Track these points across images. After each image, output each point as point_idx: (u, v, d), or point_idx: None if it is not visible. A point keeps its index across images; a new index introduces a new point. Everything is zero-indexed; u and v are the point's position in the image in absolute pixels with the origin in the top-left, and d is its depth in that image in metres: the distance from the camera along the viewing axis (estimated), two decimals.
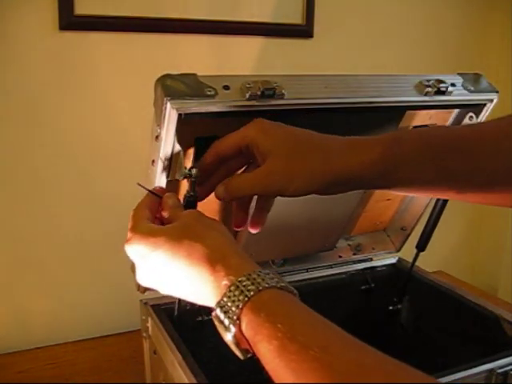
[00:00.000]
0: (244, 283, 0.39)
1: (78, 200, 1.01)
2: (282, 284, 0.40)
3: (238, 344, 0.39)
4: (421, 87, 0.67)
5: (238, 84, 0.55)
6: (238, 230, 0.58)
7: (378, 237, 0.97)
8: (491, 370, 0.64)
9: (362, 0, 1.19)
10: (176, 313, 0.73)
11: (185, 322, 0.72)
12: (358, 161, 0.49)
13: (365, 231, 0.95)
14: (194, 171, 0.54)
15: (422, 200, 0.89)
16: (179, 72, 0.54)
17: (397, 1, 1.24)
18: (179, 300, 0.71)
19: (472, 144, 0.48)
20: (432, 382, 0.32)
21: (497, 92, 0.71)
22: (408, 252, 0.94)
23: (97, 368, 0.93)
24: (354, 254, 0.94)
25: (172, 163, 0.58)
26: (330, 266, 0.92)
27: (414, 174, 0.49)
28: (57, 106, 0.95)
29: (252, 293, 0.38)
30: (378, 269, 0.96)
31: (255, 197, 0.57)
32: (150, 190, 0.54)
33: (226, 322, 0.39)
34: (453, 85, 0.68)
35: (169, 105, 0.52)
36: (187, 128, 0.58)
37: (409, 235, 0.94)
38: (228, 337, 0.39)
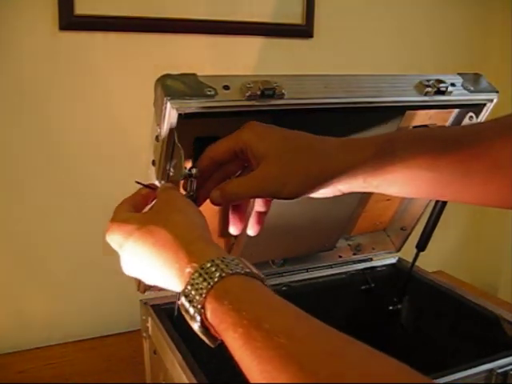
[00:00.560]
0: (207, 270, 0.38)
1: (77, 200, 1.01)
2: (247, 270, 0.39)
3: (206, 332, 0.38)
4: (421, 87, 0.67)
5: (238, 84, 0.55)
6: (235, 234, 0.58)
7: (378, 237, 0.97)
8: (491, 370, 0.64)
9: (362, 0, 1.19)
10: (176, 313, 0.72)
11: (185, 322, 0.72)
12: (352, 160, 0.49)
13: (365, 231, 0.95)
14: (194, 171, 0.54)
15: (421, 200, 0.89)
16: (179, 72, 0.54)
17: (397, 1, 1.24)
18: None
19: (466, 144, 0.48)
20: (397, 365, 0.31)
21: (497, 92, 0.71)
22: (408, 252, 0.94)
23: (97, 368, 0.93)
24: (354, 254, 0.94)
25: (172, 163, 0.58)
26: (330, 266, 0.92)
27: (407, 174, 0.49)
28: (57, 105, 0.95)
29: (216, 279, 0.38)
30: (378, 269, 0.96)
31: (251, 200, 0.57)
32: (146, 185, 0.54)
33: (191, 310, 0.38)
34: (453, 85, 0.68)
35: (169, 105, 0.52)
36: (187, 128, 0.58)
37: (409, 235, 0.94)
38: (195, 326, 0.38)
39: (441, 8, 1.30)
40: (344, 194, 0.77)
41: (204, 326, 0.38)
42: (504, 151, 0.46)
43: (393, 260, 0.98)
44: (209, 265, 0.39)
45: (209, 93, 0.53)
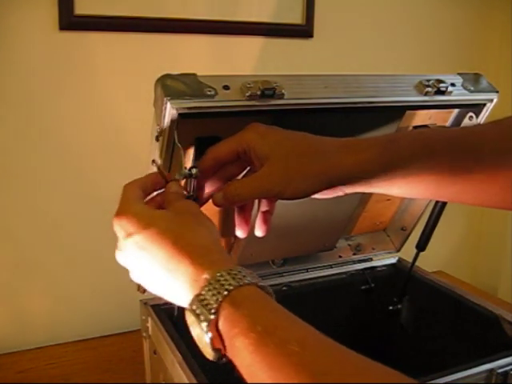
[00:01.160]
0: (225, 277, 0.39)
1: (77, 200, 1.01)
2: (262, 284, 0.40)
3: (211, 342, 0.38)
4: (421, 87, 0.67)
5: (238, 84, 0.55)
6: (242, 237, 0.58)
7: (378, 237, 0.97)
8: (491, 370, 0.64)
9: (362, 0, 1.19)
10: (176, 313, 0.73)
11: (185, 322, 0.72)
12: (354, 160, 0.49)
13: (365, 231, 0.95)
14: (194, 171, 0.54)
15: (421, 200, 0.89)
16: (179, 72, 0.54)
17: (397, 1, 1.24)
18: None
19: (469, 145, 0.48)
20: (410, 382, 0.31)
21: (497, 92, 0.71)
22: (408, 252, 0.94)
23: (97, 368, 0.93)
24: (354, 254, 0.94)
25: (172, 163, 0.58)
26: (330, 266, 0.92)
27: (411, 174, 0.49)
28: (56, 105, 0.95)
29: (232, 287, 0.38)
30: (378, 269, 0.96)
31: (256, 202, 0.57)
32: (162, 174, 0.53)
33: (202, 316, 0.38)
34: (453, 85, 0.68)
35: (169, 105, 0.52)
36: (187, 128, 0.58)
37: (409, 235, 0.94)
38: (202, 331, 0.38)
39: (441, 8, 1.30)
40: (345, 195, 0.78)
41: (209, 332, 0.38)
42: (505, 153, 0.46)
43: (393, 260, 0.98)
44: (227, 273, 0.39)
45: (209, 93, 0.53)
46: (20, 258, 0.99)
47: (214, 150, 0.54)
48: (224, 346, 0.38)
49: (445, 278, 0.95)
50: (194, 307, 0.39)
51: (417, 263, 0.89)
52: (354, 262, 0.95)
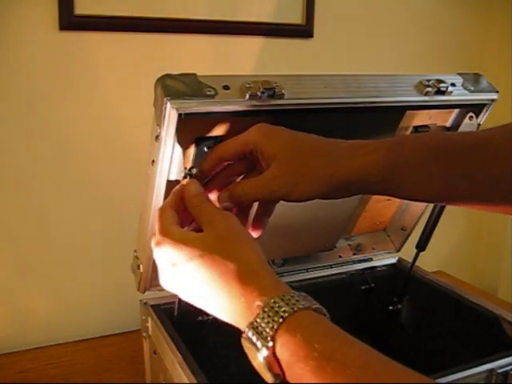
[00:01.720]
0: (278, 304, 0.38)
1: (77, 200, 1.01)
2: (316, 306, 0.40)
3: (269, 367, 0.38)
4: (421, 87, 0.67)
5: (238, 84, 0.55)
6: None
7: (377, 237, 0.97)
8: (491, 370, 0.64)
9: (362, 0, 1.19)
10: (176, 313, 0.73)
11: (185, 322, 0.72)
12: (361, 163, 0.49)
13: (365, 231, 0.95)
14: (194, 171, 0.54)
15: None
16: (179, 72, 0.54)
17: (397, 1, 1.24)
18: (179, 300, 0.71)
19: (475, 149, 0.48)
20: None
21: (497, 92, 0.71)
22: (408, 252, 0.94)
23: (97, 368, 0.93)
24: (354, 254, 0.94)
25: (172, 163, 0.58)
26: (330, 266, 0.92)
27: (416, 177, 0.49)
28: (57, 105, 0.95)
29: (287, 314, 0.38)
30: (378, 269, 0.96)
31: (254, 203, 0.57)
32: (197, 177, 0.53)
33: (259, 344, 0.38)
34: (453, 85, 0.68)
35: (169, 105, 0.52)
36: (187, 128, 0.58)
37: (409, 235, 0.94)
38: (260, 359, 0.38)
39: (441, 8, 1.30)
40: (351, 195, 0.78)
41: (267, 360, 0.38)
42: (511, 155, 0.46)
43: (393, 260, 0.98)
44: (279, 299, 0.39)
45: (209, 93, 0.53)
46: (20, 258, 0.99)
47: (220, 149, 0.54)
48: (283, 372, 0.37)
49: (445, 278, 0.95)
50: (250, 334, 0.39)
51: (417, 263, 0.89)
52: (354, 262, 0.95)
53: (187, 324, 0.73)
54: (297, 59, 1.12)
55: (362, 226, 0.93)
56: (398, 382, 0.32)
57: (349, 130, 0.70)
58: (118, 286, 1.02)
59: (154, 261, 0.49)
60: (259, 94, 0.55)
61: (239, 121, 0.63)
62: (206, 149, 0.63)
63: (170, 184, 0.59)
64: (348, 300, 0.94)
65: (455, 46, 1.34)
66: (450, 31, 1.32)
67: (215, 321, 0.44)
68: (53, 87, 0.95)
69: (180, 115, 0.53)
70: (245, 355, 0.39)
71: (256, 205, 0.57)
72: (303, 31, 1.12)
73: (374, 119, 0.70)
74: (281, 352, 0.37)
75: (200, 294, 0.44)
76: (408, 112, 0.74)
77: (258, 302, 0.39)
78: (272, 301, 0.39)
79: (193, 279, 0.43)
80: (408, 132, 0.78)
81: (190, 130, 0.61)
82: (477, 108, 0.75)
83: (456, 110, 0.78)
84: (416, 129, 0.78)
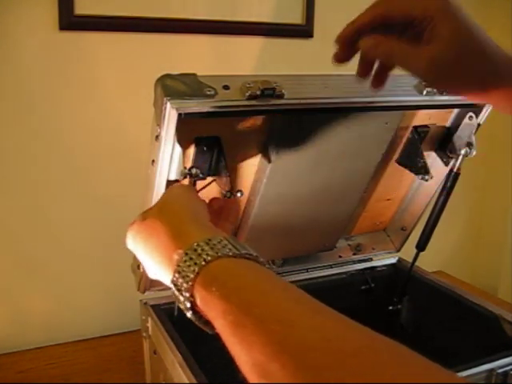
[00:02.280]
0: (191, 255, 0.38)
1: (77, 200, 1.01)
2: (236, 251, 0.38)
3: (200, 319, 0.37)
4: (420, 87, 0.67)
5: (238, 84, 0.55)
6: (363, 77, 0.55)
7: (378, 237, 0.97)
8: (491, 370, 0.64)
9: (362, 0, 1.19)
10: (176, 313, 0.73)
11: (185, 322, 0.72)
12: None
13: (365, 231, 0.95)
14: (193, 171, 0.54)
15: (421, 200, 0.89)
16: (179, 72, 0.54)
17: None
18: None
19: None
20: (401, 349, 0.29)
21: None
22: (408, 252, 0.94)
23: (97, 368, 0.93)
24: (354, 254, 0.94)
25: (172, 163, 0.58)
26: (330, 266, 0.92)
27: None
28: (56, 105, 0.95)
29: (201, 264, 0.36)
30: (378, 269, 0.96)
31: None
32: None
33: (181, 299, 0.37)
34: None
35: (169, 105, 0.52)
36: (187, 128, 0.58)
37: (409, 235, 0.94)
38: (188, 314, 0.38)
39: None
40: (344, 194, 0.78)
41: (197, 313, 0.37)
42: None
43: (393, 260, 0.98)
44: (193, 249, 0.38)
45: (209, 93, 0.53)
46: (20, 258, 0.99)
47: (389, 6, 0.51)
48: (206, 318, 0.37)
49: (445, 277, 0.95)
50: (173, 291, 0.38)
51: (417, 263, 0.89)
52: (354, 262, 0.95)
53: (187, 324, 0.73)
54: (297, 59, 1.12)
55: (362, 226, 0.93)
56: (323, 334, 0.30)
57: (349, 130, 0.70)
58: (118, 286, 1.02)
59: None
60: (259, 93, 0.55)
61: (239, 120, 0.63)
62: (205, 149, 0.63)
63: (170, 184, 0.60)
64: (348, 300, 0.94)
65: None
66: None
67: None
68: (53, 87, 0.94)
69: (180, 115, 0.53)
70: None
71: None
72: (303, 31, 1.12)
73: (373, 119, 0.70)
74: (201, 306, 0.36)
75: (145, 262, 0.45)
76: (408, 112, 0.74)
77: (175, 256, 0.39)
78: (185, 252, 0.38)
79: (138, 248, 0.46)
80: (408, 132, 0.78)
81: (190, 130, 0.61)
82: (477, 108, 0.75)
83: (456, 110, 0.78)
84: (416, 129, 0.78)
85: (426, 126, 0.78)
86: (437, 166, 0.83)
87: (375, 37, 0.51)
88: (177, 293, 0.38)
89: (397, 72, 0.67)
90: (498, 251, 1.45)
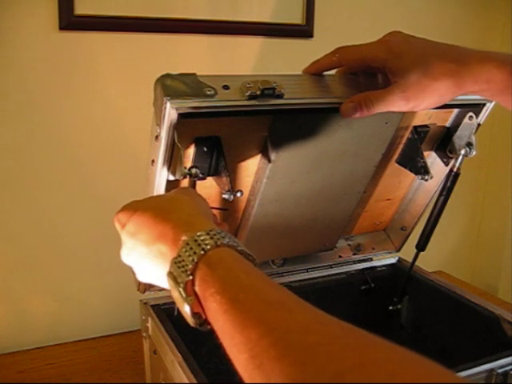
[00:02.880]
0: (202, 237, 0.38)
1: (77, 200, 1.01)
2: (241, 248, 0.39)
3: (191, 307, 0.37)
4: None
5: (238, 84, 0.55)
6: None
7: (378, 237, 0.97)
8: (491, 370, 0.64)
9: (361, 0, 1.19)
10: (176, 313, 0.73)
11: (185, 321, 0.72)
12: (487, 79, 0.53)
13: (365, 231, 0.95)
14: (193, 171, 0.54)
15: (421, 200, 0.89)
16: (179, 72, 0.54)
17: (396, 1, 1.24)
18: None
19: None
20: (385, 343, 0.30)
21: None
22: (408, 252, 0.94)
23: (97, 368, 0.93)
24: (354, 254, 0.94)
25: (172, 163, 0.58)
26: (330, 266, 0.92)
27: None
28: (56, 106, 0.95)
29: (209, 247, 0.37)
30: (378, 269, 0.96)
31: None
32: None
33: (180, 277, 0.37)
34: None
35: (168, 104, 0.52)
36: (187, 128, 0.58)
37: (409, 235, 0.94)
38: (181, 296, 0.37)
39: (441, 9, 1.30)
40: (344, 194, 0.78)
41: (188, 295, 0.37)
42: None
43: (393, 260, 0.98)
44: (205, 233, 0.39)
45: (208, 92, 0.53)
46: (20, 258, 0.99)
47: (343, 55, 0.58)
48: (203, 310, 0.37)
49: (445, 277, 0.95)
50: (172, 270, 0.38)
51: (417, 263, 0.89)
52: (354, 262, 0.95)
53: (187, 324, 0.73)
54: (297, 59, 1.11)
55: (362, 225, 0.93)
56: (314, 319, 0.31)
57: (348, 130, 0.70)
58: (118, 286, 1.02)
59: None
60: (259, 93, 0.55)
61: (239, 120, 0.63)
62: (205, 149, 0.63)
63: (170, 184, 0.60)
64: (348, 300, 0.94)
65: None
66: (450, 31, 1.32)
67: None
68: (53, 87, 0.94)
69: (180, 115, 0.53)
70: None
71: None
72: (303, 31, 1.12)
73: (373, 119, 0.70)
74: (199, 286, 0.36)
75: (143, 253, 0.44)
76: (408, 112, 0.74)
77: (184, 237, 0.39)
78: (197, 234, 0.39)
79: (134, 237, 0.44)
80: (408, 132, 0.78)
81: (190, 130, 0.61)
82: (476, 108, 0.75)
83: (456, 110, 0.78)
84: (416, 129, 0.78)
85: (425, 125, 0.78)
86: (437, 166, 0.83)
87: (352, 99, 0.56)
88: (177, 271, 0.38)
89: None
90: (498, 251, 1.45)
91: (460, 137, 0.78)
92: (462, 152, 0.78)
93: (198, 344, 0.69)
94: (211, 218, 0.46)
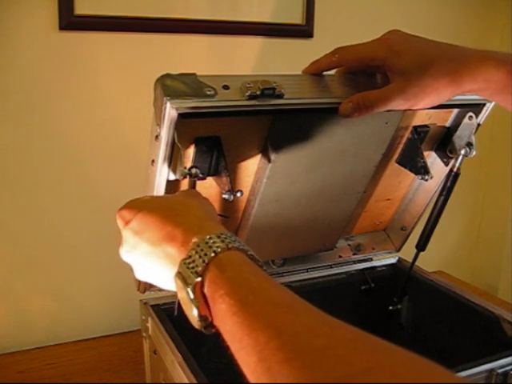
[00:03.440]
0: (213, 240, 0.38)
1: (77, 200, 1.01)
2: (251, 253, 0.39)
3: (197, 306, 0.37)
4: None
5: (238, 84, 0.55)
6: None
7: (378, 237, 0.97)
8: (491, 370, 0.64)
9: (362, 0, 1.19)
10: (176, 313, 0.73)
11: (185, 322, 0.72)
12: (485, 78, 0.53)
13: (365, 231, 0.95)
14: (193, 171, 0.54)
15: (421, 200, 0.89)
16: (179, 72, 0.54)
17: (396, 1, 1.24)
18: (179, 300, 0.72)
19: None
20: (390, 347, 0.30)
21: None
22: (408, 252, 0.94)
23: (97, 368, 0.93)
24: (354, 254, 0.94)
25: (172, 163, 0.58)
26: (330, 266, 0.92)
27: None
28: (56, 106, 0.95)
29: (220, 249, 0.38)
30: (378, 269, 0.96)
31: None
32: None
33: (189, 278, 0.37)
34: None
35: (168, 104, 0.52)
36: (187, 128, 0.58)
37: (409, 235, 0.94)
38: (188, 297, 0.37)
39: (441, 9, 1.30)
40: (344, 194, 0.78)
41: (196, 296, 0.37)
42: None
43: (393, 260, 0.98)
44: (216, 236, 0.39)
45: (208, 92, 0.53)
46: (20, 258, 0.99)
47: (343, 55, 0.58)
48: (210, 313, 0.37)
49: (445, 277, 0.95)
50: (181, 270, 0.38)
51: (417, 263, 0.89)
52: (354, 262, 0.95)
53: (187, 324, 0.73)
54: (297, 59, 1.11)
55: (362, 225, 0.93)
56: (323, 322, 0.32)
57: (348, 130, 0.70)
58: (118, 286, 1.02)
59: None
60: (259, 93, 0.55)
61: (239, 120, 0.63)
62: (205, 149, 0.63)
63: (170, 184, 0.60)
64: (348, 300, 0.94)
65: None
66: (450, 31, 1.32)
67: None
68: (53, 87, 0.94)
69: (180, 115, 0.53)
70: None
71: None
72: (303, 31, 1.12)
73: (373, 119, 0.70)
74: (208, 287, 0.36)
75: (147, 251, 0.44)
76: (407, 112, 0.74)
77: (194, 239, 0.39)
78: (208, 237, 0.39)
79: (138, 235, 0.44)
80: (408, 132, 0.78)
81: (190, 130, 0.61)
82: (476, 108, 0.75)
83: (455, 110, 0.78)
84: (415, 129, 0.78)
85: (425, 125, 0.78)
86: (437, 166, 0.83)
87: (350, 99, 0.56)
88: (186, 271, 0.38)
89: None
90: (498, 251, 1.46)
91: (460, 137, 0.78)
92: (462, 152, 0.78)
93: (198, 344, 0.69)
94: (219, 223, 0.46)
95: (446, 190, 0.81)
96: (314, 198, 0.77)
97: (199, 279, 0.37)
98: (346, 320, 0.31)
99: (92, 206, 1.02)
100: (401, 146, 0.80)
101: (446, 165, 0.82)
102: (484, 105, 0.74)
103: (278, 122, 0.65)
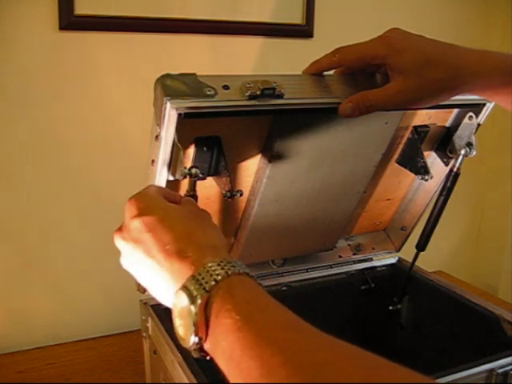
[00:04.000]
0: (225, 263, 0.39)
1: (77, 200, 1.01)
2: (252, 274, 0.40)
3: (196, 326, 0.37)
4: None
5: (238, 84, 0.55)
6: None
7: (378, 237, 0.97)
8: (491, 370, 0.64)
9: (361, 0, 1.19)
10: None
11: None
12: (485, 78, 0.54)
13: (365, 231, 0.95)
14: (193, 171, 0.54)
15: (421, 200, 0.89)
16: (179, 72, 0.54)
17: (396, 1, 1.24)
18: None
19: None
20: (382, 362, 0.30)
21: None
22: (408, 252, 0.94)
23: (97, 368, 0.93)
24: (354, 254, 0.94)
25: (172, 163, 0.58)
26: (330, 266, 0.92)
27: None
28: (56, 105, 0.95)
29: (230, 272, 0.38)
30: (378, 269, 0.96)
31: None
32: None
33: (196, 291, 0.37)
34: None
35: (168, 104, 0.52)
36: (187, 128, 0.58)
37: (409, 235, 0.94)
38: (190, 314, 0.37)
39: (442, 8, 1.30)
40: (344, 194, 0.78)
41: (197, 315, 0.37)
42: None
43: (393, 260, 0.98)
44: (226, 261, 0.39)
45: (208, 92, 0.53)
46: (20, 258, 0.99)
47: (343, 54, 0.58)
48: (205, 333, 0.37)
49: (445, 278, 0.95)
50: (188, 284, 0.38)
51: (417, 263, 0.89)
52: (354, 262, 0.95)
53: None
54: (297, 59, 1.11)
55: (362, 225, 0.93)
56: (328, 344, 0.32)
57: (348, 130, 0.70)
58: (118, 286, 1.02)
59: None
60: (259, 93, 0.55)
61: (239, 120, 0.64)
62: (205, 149, 0.63)
63: (170, 184, 0.60)
64: (348, 300, 0.94)
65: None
66: (451, 30, 1.32)
67: None
68: (52, 87, 0.95)
69: (180, 115, 0.53)
70: None
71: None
72: (303, 31, 1.12)
73: (373, 119, 0.70)
74: (215, 302, 0.37)
75: (148, 251, 0.43)
76: (407, 112, 0.74)
77: (208, 259, 0.40)
78: (221, 260, 0.39)
79: (148, 233, 0.43)
80: (408, 132, 0.78)
81: (190, 130, 0.61)
82: (476, 108, 0.75)
83: (455, 110, 0.78)
84: (416, 129, 0.78)
85: (425, 125, 0.78)
86: (437, 166, 0.83)
87: (350, 99, 0.56)
88: (193, 286, 0.38)
89: None
90: (498, 251, 1.46)
91: (460, 137, 0.78)
92: (462, 152, 0.78)
93: None
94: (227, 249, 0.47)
95: (446, 190, 0.81)
96: (314, 198, 0.77)
97: (207, 295, 0.37)
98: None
99: (92, 206, 1.02)
100: (401, 146, 0.80)
101: (446, 165, 0.82)
102: (484, 105, 0.74)
103: (278, 122, 0.65)
